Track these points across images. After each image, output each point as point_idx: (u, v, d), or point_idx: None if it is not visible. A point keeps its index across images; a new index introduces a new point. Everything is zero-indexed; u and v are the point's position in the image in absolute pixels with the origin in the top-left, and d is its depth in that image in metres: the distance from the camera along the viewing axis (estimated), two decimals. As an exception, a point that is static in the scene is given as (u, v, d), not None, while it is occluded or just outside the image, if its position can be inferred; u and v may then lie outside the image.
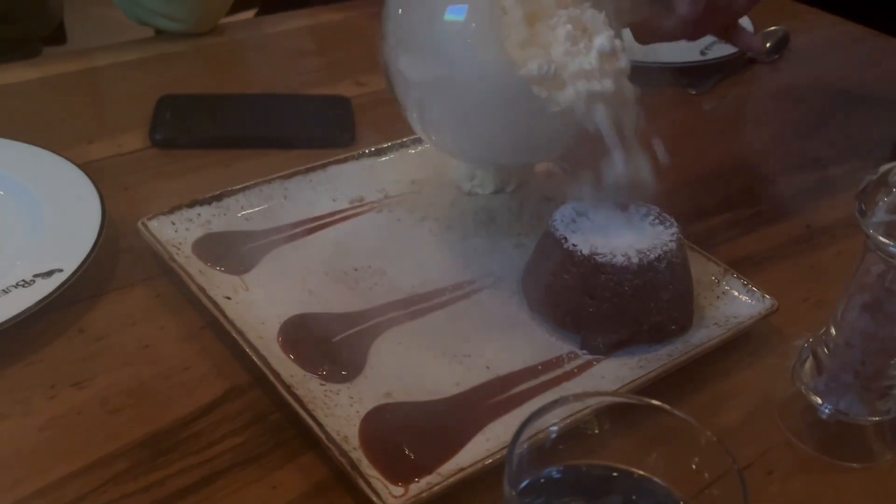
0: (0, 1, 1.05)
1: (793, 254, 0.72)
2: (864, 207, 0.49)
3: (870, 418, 0.54)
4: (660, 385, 0.56)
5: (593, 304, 0.58)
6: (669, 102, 0.96)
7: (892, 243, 0.48)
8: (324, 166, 0.74)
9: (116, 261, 0.65)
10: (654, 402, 0.41)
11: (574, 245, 0.58)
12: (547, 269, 0.61)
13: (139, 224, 0.65)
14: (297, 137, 0.82)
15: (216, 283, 0.61)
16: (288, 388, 0.52)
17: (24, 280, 0.59)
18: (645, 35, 0.73)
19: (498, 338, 0.60)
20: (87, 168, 0.70)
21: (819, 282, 0.67)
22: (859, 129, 0.92)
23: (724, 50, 1.02)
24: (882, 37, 1.14)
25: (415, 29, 0.62)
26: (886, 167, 0.50)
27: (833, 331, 0.54)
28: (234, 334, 0.56)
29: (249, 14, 1.32)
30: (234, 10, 1.06)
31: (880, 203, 0.49)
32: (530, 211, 0.71)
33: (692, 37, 0.73)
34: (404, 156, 0.76)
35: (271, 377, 0.53)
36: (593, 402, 0.42)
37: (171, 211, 0.66)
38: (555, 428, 0.41)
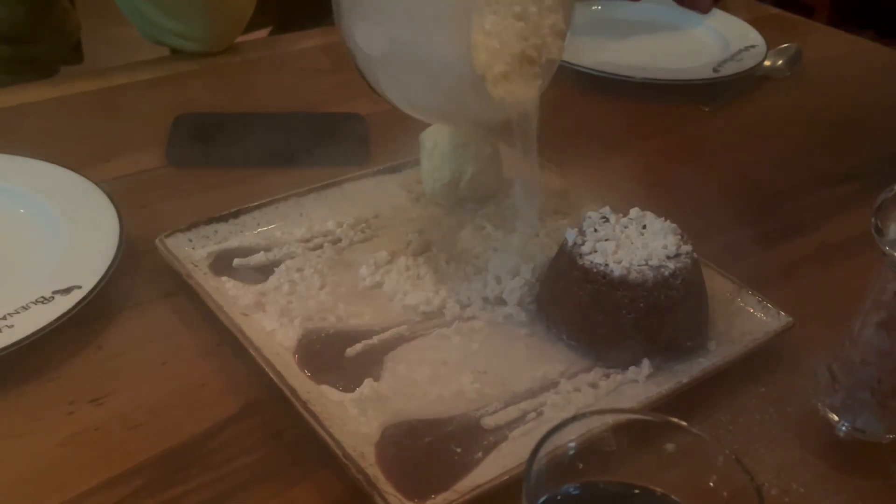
0: (18, 22, 1.06)
1: (808, 271, 0.72)
2: (879, 225, 0.49)
3: (887, 436, 0.54)
4: (675, 402, 0.56)
5: (608, 320, 0.58)
6: (683, 119, 0.96)
7: (908, 260, 0.48)
8: (339, 183, 0.75)
9: (134, 278, 0.65)
10: (672, 419, 0.41)
11: (589, 262, 0.58)
12: (562, 285, 0.61)
13: (157, 241, 0.65)
14: (313, 155, 0.82)
15: (233, 300, 0.62)
16: (304, 404, 0.53)
17: (43, 297, 0.60)
18: None
19: (514, 353, 0.60)
20: (105, 186, 0.71)
21: (835, 299, 0.67)
22: (873, 146, 0.92)
23: (736, 67, 1.02)
24: (895, 52, 1.14)
25: None
26: (901, 184, 0.50)
27: (849, 348, 0.53)
28: (251, 351, 0.56)
29: (263, 33, 1.33)
30: (248, 29, 1.07)
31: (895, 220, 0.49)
32: (546, 227, 0.71)
33: None
34: (419, 172, 0.77)
35: (288, 394, 0.53)
36: (610, 418, 0.42)
37: (189, 228, 0.67)
38: (572, 444, 0.41)
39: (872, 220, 0.49)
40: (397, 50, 0.61)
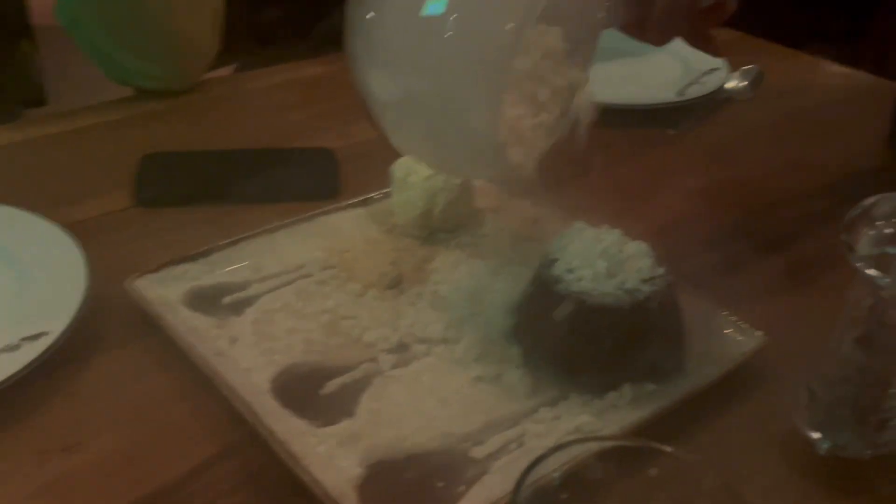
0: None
1: (782, 289, 0.73)
2: (850, 242, 0.49)
3: (867, 451, 0.54)
4: (656, 426, 0.55)
5: (587, 346, 0.58)
6: (650, 143, 0.97)
7: (880, 276, 0.48)
8: (310, 218, 0.74)
9: (105, 321, 0.64)
10: (657, 444, 0.41)
11: (565, 288, 0.58)
12: (538, 312, 0.61)
13: (126, 283, 0.64)
14: (283, 191, 0.82)
15: (206, 340, 0.61)
16: (282, 444, 0.52)
17: (9, 344, 0.58)
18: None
19: (492, 382, 0.59)
20: (72, 229, 0.70)
21: (811, 316, 0.67)
22: (839, 164, 0.93)
23: (700, 90, 1.03)
24: (854, 72, 1.16)
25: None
26: (870, 201, 0.51)
27: (827, 365, 0.54)
28: (226, 392, 0.55)
29: (230, 70, 1.33)
30: (214, 66, 1.06)
31: (866, 236, 0.49)
32: (520, 253, 0.71)
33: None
34: (391, 204, 0.76)
35: (265, 434, 0.52)
36: (595, 445, 0.42)
37: (158, 269, 0.66)
38: (557, 473, 0.40)
39: (843, 236, 0.50)
40: (411, 101, 0.58)
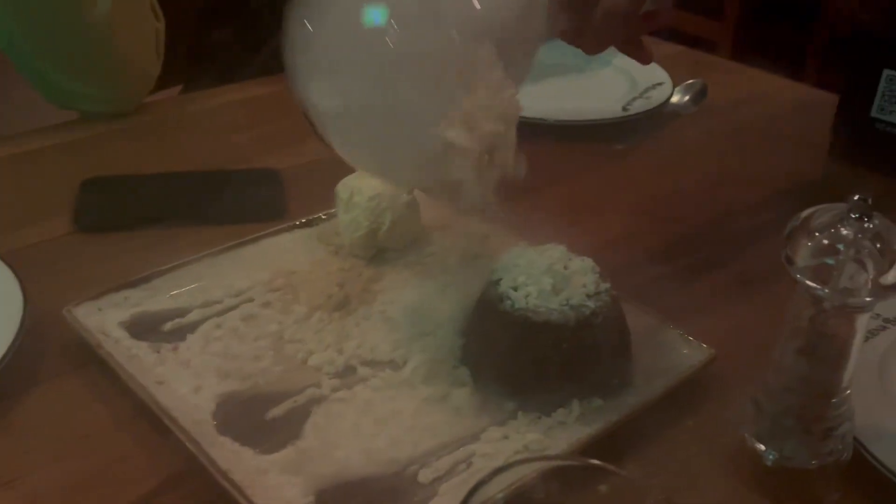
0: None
1: (727, 302, 0.73)
2: (790, 254, 0.50)
3: (813, 461, 0.54)
4: (605, 442, 0.55)
5: (534, 364, 0.58)
6: (597, 158, 0.97)
7: (819, 287, 0.49)
8: (255, 240, 0.73)
9: (43, 351, 0.63)
10: (599, 462, 0.41)
11: (510, 306, 0.58)
12: (484, 331, 0.61)
13: (64, 311, 0.63)
14: (228, 213, 0.81)
15: (147, 368, 0.59)
16: (224, 474, 0.51)
17: (-58, 378, 0.57)
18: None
19: (438, 403, 0.59)
20: (9, 257, 0.68)
21: (756, 328, 0.68)
22: (780, 176, 0.95)
23: (645, 104, 1.04)
24: (796, 84, 1.18)
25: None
26: (808, 212, 0.51)
27: (772, 376, 0.54)
28: (167, 422, 0.54)
29: (175, 91, 1.31)
30: (159, 88, 1.05)
31: (805, 248, 0.50)
32: (467, 271, 0.71)
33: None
34: (337, 225, 0.76)
35: (206, 464, 0.51)
36: (538, 466, 0.41)
37: (98, 296, 0.65)
38: (501, 495, 0.40)
39: (783, 248, 0.50)
40: (355, 110, 0.58)
